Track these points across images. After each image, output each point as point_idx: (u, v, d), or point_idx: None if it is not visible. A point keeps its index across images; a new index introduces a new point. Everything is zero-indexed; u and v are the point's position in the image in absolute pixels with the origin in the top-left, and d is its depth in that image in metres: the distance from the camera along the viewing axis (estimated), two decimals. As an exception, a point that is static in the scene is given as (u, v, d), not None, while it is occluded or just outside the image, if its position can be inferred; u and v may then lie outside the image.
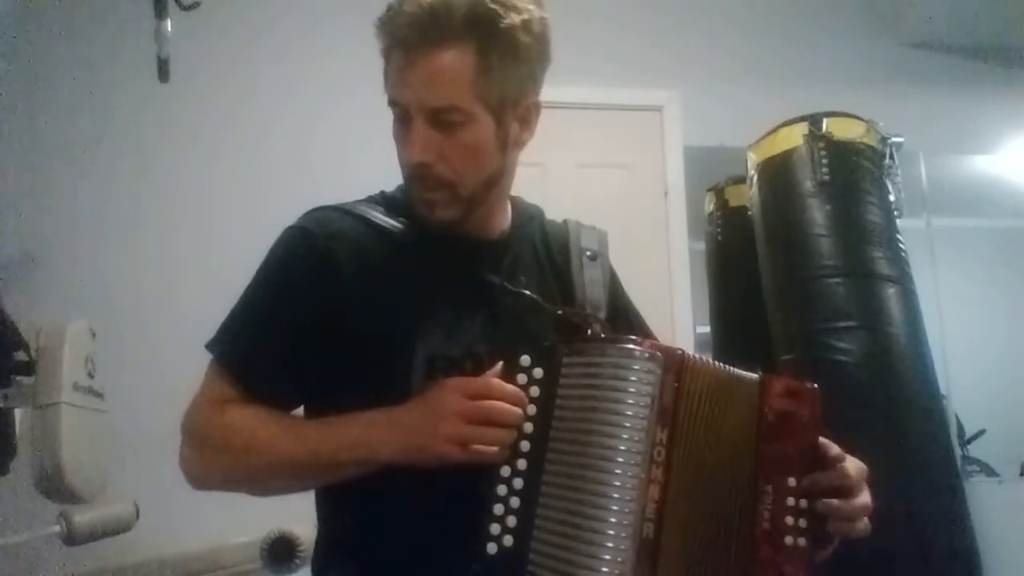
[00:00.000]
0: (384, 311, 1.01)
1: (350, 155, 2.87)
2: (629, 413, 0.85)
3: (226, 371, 1.02)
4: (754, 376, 0.95)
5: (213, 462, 1.01)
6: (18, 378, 1.87)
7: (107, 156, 2.93)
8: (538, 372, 0.91)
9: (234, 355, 1.03)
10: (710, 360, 0.93)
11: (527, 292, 1.06)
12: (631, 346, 0.88)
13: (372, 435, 0.94)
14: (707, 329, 3.06)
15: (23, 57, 2.95)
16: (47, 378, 1.82)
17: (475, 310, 1.04)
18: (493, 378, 0.93)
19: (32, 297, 2.53)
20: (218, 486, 1.03)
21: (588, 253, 1.15)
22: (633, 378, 0.86)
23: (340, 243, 1.03)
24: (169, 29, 2.12)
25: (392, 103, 1.00)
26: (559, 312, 1.04)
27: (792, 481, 0.93)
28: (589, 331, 1.02)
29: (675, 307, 3.17)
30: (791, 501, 0.92)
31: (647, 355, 0.87)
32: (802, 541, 0.91)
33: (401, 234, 1.06)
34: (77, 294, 2.71)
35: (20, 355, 1.91)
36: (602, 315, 1.11)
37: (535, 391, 0.91)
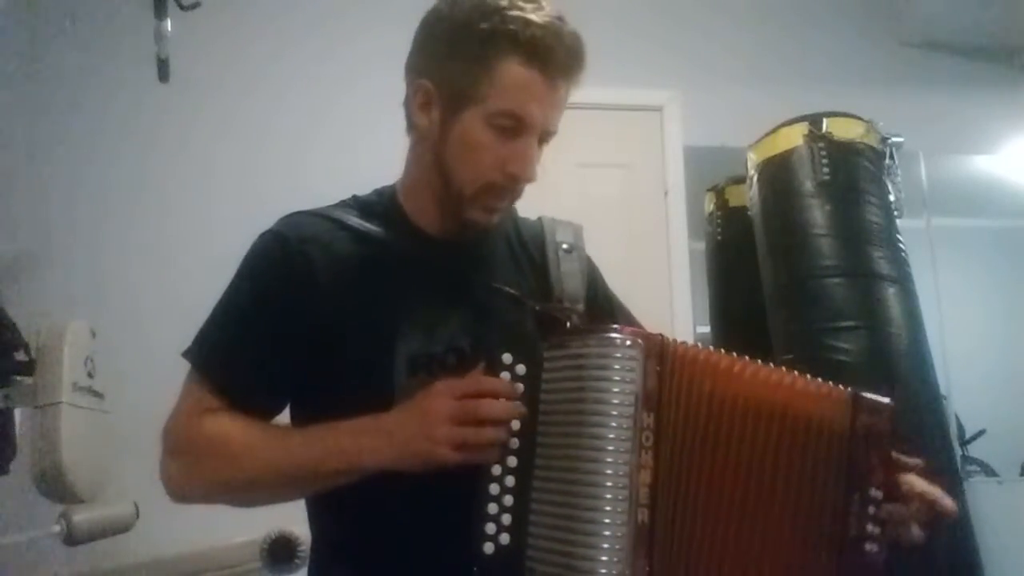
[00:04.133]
0: (362, 313, 1.01)
1: (350, 155, 2.86)
2: (615, 401, 0.86)
3: (205, 380, 1.01)
4: (843, 389, 0.99)
5: (194, 474, 1.00)
6: (18, 378, 1.87)
7: (107, 156, 2.93)
8: (521, 369, 0.91)
9: (213, 363, 1.02)
10: (695, 345, 0.94)
11: (506, 288, 1.06)
12: (611, 335, 0.89)
13: (359, 444, 0.93)
14: (707, 329, 3.06)
15: (23, 57, 2.95)
16: (47, 378, 1.82)
17: (454, 308, 1.04)
18: (479, 376, 0.92)
19: (32, 297, 2.52)
20: (200, 498, 1.01)
21: (564, 247, 1.15)
22: (616, 366, 0.86)
23: (314, 247, 1.03)
24: (169, 29, 2.13)
25: (508, 115, 0.99)
26: (537, 308, 1.04)
27: (874, 491, 0.97)
28: (568, 324, 1.02)
29: (675, 307, 3.17)
30: (871, 510, 0.97)
31: (628, 342, 0.87)
32: (876, 548, 0.97)
33: (376, 236, 1.06)
34: (77, 294, 2.71)
35: (20, 355, 1.91)
36: (580, 307, 1.11)
37: (519, 388, 0.91)
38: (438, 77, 1.02)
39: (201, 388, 1.01)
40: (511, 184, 1.03)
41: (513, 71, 0.98)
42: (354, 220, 1.07)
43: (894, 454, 1.00)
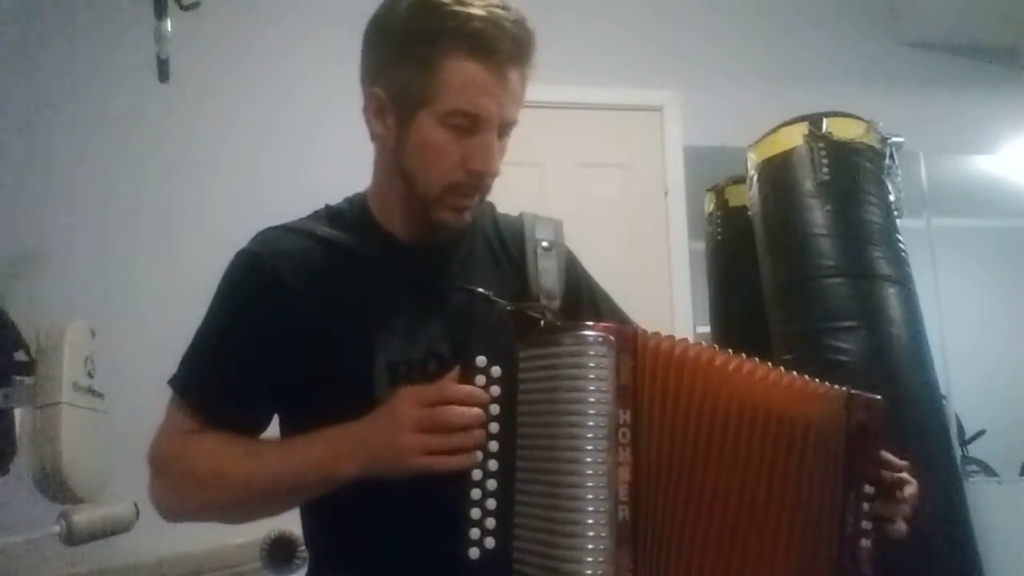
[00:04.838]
0: (338, 324, 1.01)
1: (350, 155, 2.85)
2: (591, 400, 0.85)
3: (185, 402, 1.02)
4: (836, 388, 0.99)
5: (180, 494, 1.01)
6: (18, 378, 1.87)
7: (107, 156, 2.93)
8: (496, 371, 0.91)
9: (192, 386, 1.03)
10: (670, 337, 0.93)
11: (480, 289, 1.05)
12: (583, 332, 0.88)
13: (334, 453, 0.93)
14: (707, 329, 3.06)
15: (23, 57, 2.95)
16: (47, 378, 1.82)
17: (430, 312, 1.04)
18: (447, 383, 0.91)
19: (32, 297, 2.53)
20: (189, 517, 1.03)
21: (544, 244, 1.14)
22: (590, 364, 0.86)
23: (287, 262, 1.03)
24: (169, 29, 2.13)
25: (461, 113, 0.97)
26: (509, 308, 1.03)
27: (868, 488, 0.98)
28: (543, 322, 1.02)
29: (675, 307, 3.17)
30: (866, 506, 0.97)
31: (600, 339, 0.87)
32: (869, 543, 0.97)
33: (349, 245, 1.05)
34: (77, 294, 2.71)
35: (20, 355, 1.91)
36: (556, 304, 1.10)
37: (496, 390, 0.90)
38: (387, 83, 1.01)
39: (181, 410, 1.03)
40: (475, 181, 1.02)
41: (459, 68, 0.96)
42: (326, 231, 1.06)
43: (883, 452, 1.01)
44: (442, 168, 1.00)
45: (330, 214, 1.11)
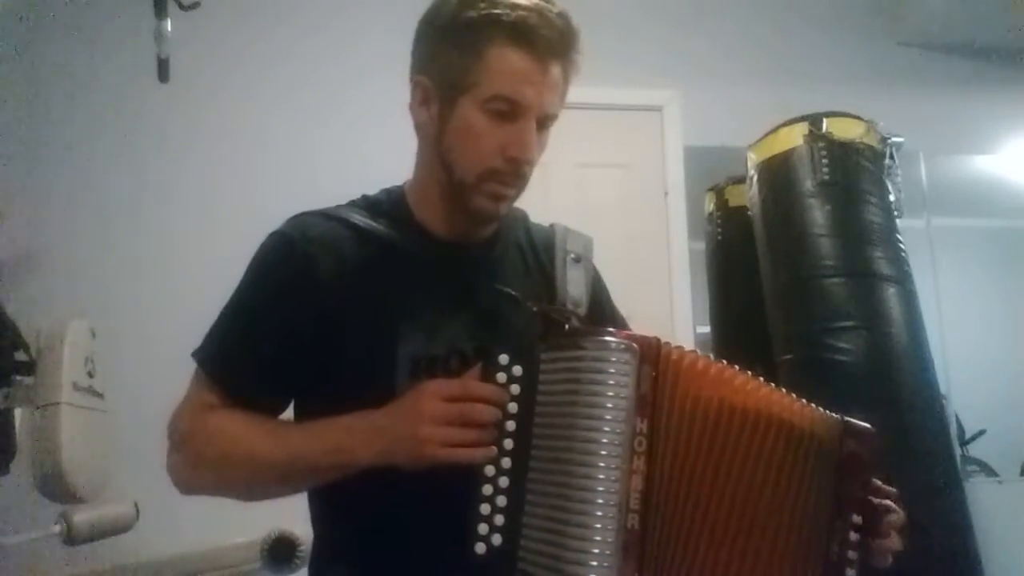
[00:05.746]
0: (365, 313, 1.02)
1: (351, 155, 2.87)
2: (609, 405, 0.86)
3: (209, 377, 1.03)
4: (832, 414, 0.99)
5: (198, 468, 1.03)
6: (18, 378, 1.87)
7: (107, 156, 2.93)
8: (517, 370, 0.92)
9: (216, 361, 1.04)
10: (693, 351, 0.93)
11: (508, 289, 1.06)
12: (607, 338, 0.89)
13: (351, 440, 0.95)
14: (707, 329, 3.06)
15: (23, 57, 2.95)
16: (47, 378, 1.82)
17: (457, 309, 1.05)
18: (470, 379, 0.93)
19: (32, 297, 2.53)
20: (204, 491, 1.04)
21: (572, 255, 1.17)
22: (611, 370, 0.86)
23: (320, 247, 1.03)
24: (169, 29, 2.13)
25: (501, 98, 1.00)
26: (535, 309, 1.04)
27: (856, 518, 0.98)
28: (567, 326, 1.02)
29: (675, 307, 3.17)
30: (853, 536, 0.97)
31: (623, 346, 0.87)
32: (854, 573, 0.97)
33: (382, 236, 1.06)
34: (77, 294, 2.71)
35: (20, 355, 1.91)
36: (582, 311, 1.12)
37: (515, 389, 0.91)
38: (433, 72, 1.04)
39: (205, 385, 1.03)
40: (512, 168, 1.03)
41: (502, 55, 0.99)
42: (360, 220, 1.07)
43: (874, 481, 1.01)
44: (480, 153, 1.02)
45: (366, 204, 1.12)
